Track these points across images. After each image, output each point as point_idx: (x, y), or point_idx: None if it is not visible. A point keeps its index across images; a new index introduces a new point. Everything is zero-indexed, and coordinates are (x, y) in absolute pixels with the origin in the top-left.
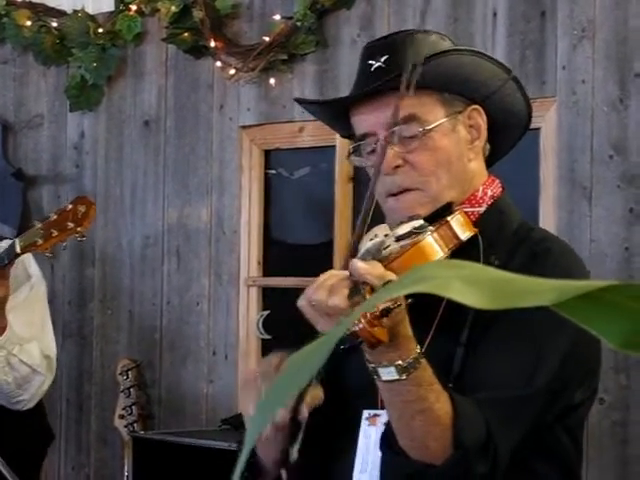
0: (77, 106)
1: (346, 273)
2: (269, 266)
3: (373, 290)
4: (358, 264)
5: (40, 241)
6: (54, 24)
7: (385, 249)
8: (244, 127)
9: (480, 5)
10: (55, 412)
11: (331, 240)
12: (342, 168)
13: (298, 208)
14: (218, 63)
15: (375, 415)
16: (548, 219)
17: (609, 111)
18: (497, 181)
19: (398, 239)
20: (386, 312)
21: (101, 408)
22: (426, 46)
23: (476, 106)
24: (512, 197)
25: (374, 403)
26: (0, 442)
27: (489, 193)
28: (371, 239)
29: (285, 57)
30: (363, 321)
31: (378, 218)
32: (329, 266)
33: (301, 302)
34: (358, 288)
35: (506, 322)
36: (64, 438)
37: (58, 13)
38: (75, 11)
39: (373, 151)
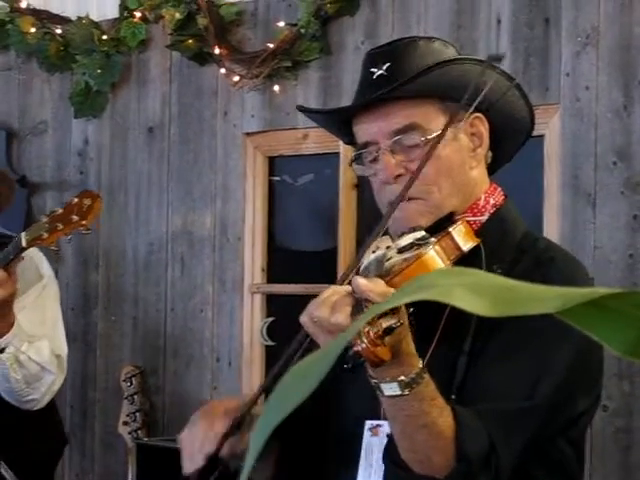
0: (81, 113)
1: (348, 289)
2: (273, 273)
3: None
4: (360, 281)
5: (45, 235)
6: (58, 31)
7: (387, 262)
8: (248, 134)
9: (484, 12)
10: (60, 417)
11: (335, 247)
12: (346, 175)
13: (302, 215)
14: (222, 70)
15: (377, 426)
16: (552, 226)
17: (613, 118)
18: (499, 189)
19: (400, 251)
20: (388, 331)
21: (105, 414)
22: (429, 54)
23: (478, 114)
24: (516, 204)
25: (376, 414)
26: (14, 446)
27: (491, 202)
28: (373, 252)
29: (289, 64)
30: (365, 341)
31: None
32: (333, 273)
33: (303, 318)
34: (361, 305)
35: (509, 331)
36: (68, 444)
37: (62, 20)
38: (79, 18)
39: (375, 159)
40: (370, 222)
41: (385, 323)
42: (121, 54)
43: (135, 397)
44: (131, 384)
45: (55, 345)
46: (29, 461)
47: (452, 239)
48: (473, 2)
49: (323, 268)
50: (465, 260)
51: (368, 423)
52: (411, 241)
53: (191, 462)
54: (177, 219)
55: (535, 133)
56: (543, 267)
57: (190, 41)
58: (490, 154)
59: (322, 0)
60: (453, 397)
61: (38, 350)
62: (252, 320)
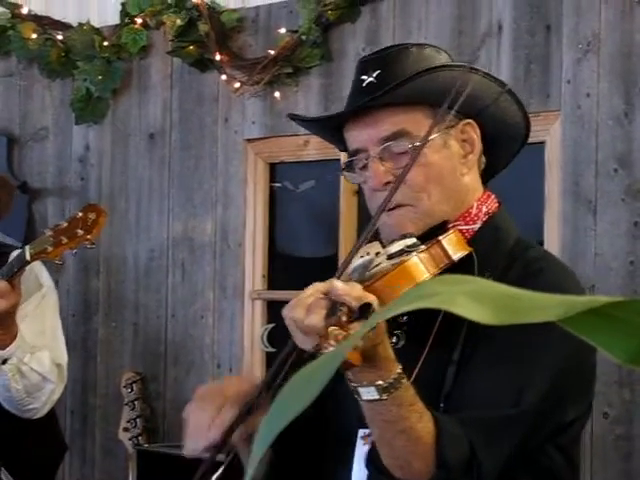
0: (82, 119)
1: (327, 291)
2: (274, 279)
3: (351, 311)
4: (337, 285)
5: (50, 248)
6: (59, 37)
7: (375, 267)
8: (249, 140)
9: (485, 18)
10: (59, 424)
11: (336, 253)
12: (347, 181)
13: (303, 221)
14: (223, 76)
15: (370, 434)
16: (552, 233)
17: (614, 125)
18: (492, 197)
19: (390, 257)
20: None
21: (105, 421)
22: (421, 60)
23: (469, 120)
24: (517, 211)
25: None
26: (14, 453)
27: (484, 209)
28: (362, 256)
29: (290, 70)
30: (334, 344)
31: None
32: None
33: (283, 313)
34: (335, 308)
35: (496, 340)
36: (68, 451)
37: (63, 26)
38: (80, 24)
39: (365, 167)
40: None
41: (356, 328)
42: (122, 60)
43: (136, 403)
44: (132, 390)
45: (55, 355)
46: (29, 468)
47: (442, 247)
48: (474, 9)
49: (324, 274)
50: (457, 268)
51: (361, 432)
52: (401, 248)
53: (192, 445)
54: (178, 225)
55: (536, 140)
56: (532, 278)
57: (191, 47)
58: (484, 160)
59: (323, 7)
60: (442, 405)
61: (39, 360)
62: (253, 326)
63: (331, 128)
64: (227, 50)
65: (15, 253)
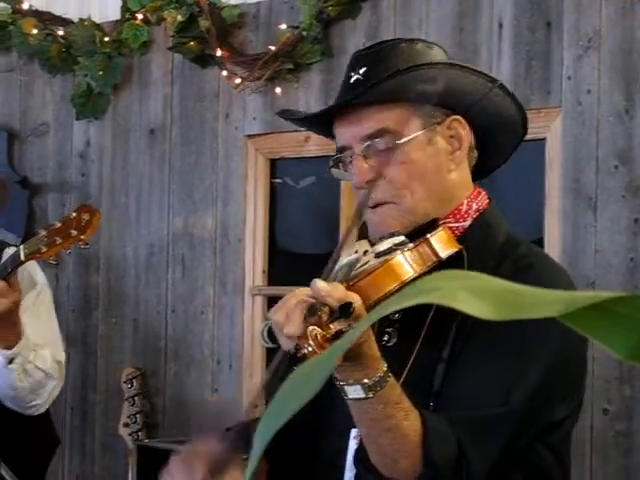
0: (83, 114)
1: (309, 292)
2: (274, 275)
3: (332, 310)
4: (319, 285)
5: (44, 249)
6: (60, 32)
7: (361, 266)
8: (250, 136)
9: (486, 16)
10: (59, 420)
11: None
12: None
13: (303, 217)
14: (224, 72)
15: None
16: (553, 229)
17: (614, 121)
18: (483, 193)
19: (377, 255)
20: (338, 335)
21: (105, 416)
22: (410, 57)
23: (456, 116)
24: (517, 207)
25: None
26: (5, 448)
27: (474, 206)
28: (349, 255)
29: (291, 66)
30: (313, 344)
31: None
32: None
33: (268, 316)
34: (316, 308)
35: (485, 338)
36: (68, 446)
37: (64, 21)
38: (81, 20)
39: (350, 164)
40: None
41: (335, 327)
42: (123, 56)
43: (136, 399)
44: (132, 386)
45: (55, 352)
46: (21, 462)
47: (430, 246)
48: (475, 6)
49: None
50: (447, 266)
51: (354, 431)
52: (389, 246)
53: None
54: (178, 221)
55: (536, 137)
56: (521, 274)
57: (192, 43)
58: (475, 155)
59: (324, 3)
60: (432, 404)
61: (43, 358)
62: (253, 322)
63: (324, 125)
64: (228, 46)
65: (8, 250)
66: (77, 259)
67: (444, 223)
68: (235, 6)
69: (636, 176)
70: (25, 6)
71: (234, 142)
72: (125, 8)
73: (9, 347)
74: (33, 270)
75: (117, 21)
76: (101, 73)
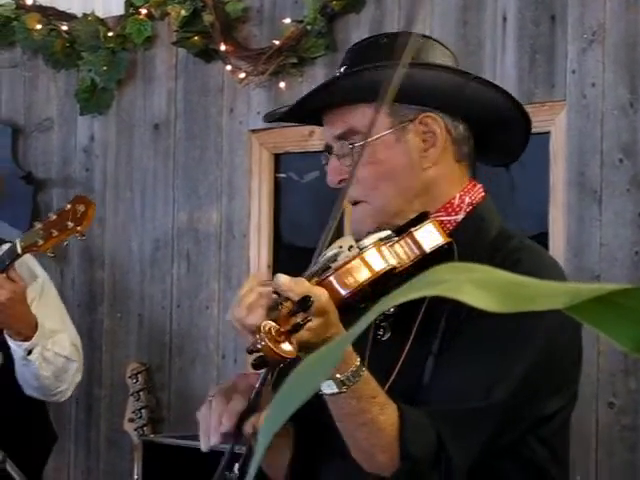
0: (87, 110)
1: (270, 286)
2: (279, 270)
3: (295, 305)
4: (281, 280)
5: (41, 241)
6: (64, 28)
7: (341, 260)
8: (254, 131)
9: (490, 9)
10: (64, 415)
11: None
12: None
13: (308, 212)
14: (228, 67)
15: None
16: (558, 223)
17: (619, 115)
18: (478, 187)
19: (362, 250)
20: (295, 328)
21: (110, 412)
22: (391, 52)
23: (429, 113)
24: (522, 201)
25: None
26: (3, 444)
27: (467, 200)
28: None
29: (295, 61)
30: (266, 339)
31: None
32: None
33: (228, 318)
34: (277, 303)
35: (471, 332)
36: (73, 442)
37: (68, 17)
38: (85, 15)
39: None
40: None
41: (293, 320)
42: (127, 51)
43: (141, 394)
44: (137, 381)
45: (72, 337)
46: (18, 458)
47: (413, 239)
48: None
49: None
50: (436, 259)
51: None
52: (374, 240)
53: (207, 439)
54: (183, 216)
55: (541, 130)
56: (510, 269)
57: (196, 38)
58: (466, 150)
59: None
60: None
61: (61, 344)
62: None
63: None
64: (232, 40)
65: (4, 247)
66: (82, 254)
67: (435, 217)
68: (239, 0)
69: None
70: (29, 1)
71: (238, 137)
72: (129, 3)
73: (27, 339)
74: (32, 264)
75: (121, 16)
76: (105, 68)
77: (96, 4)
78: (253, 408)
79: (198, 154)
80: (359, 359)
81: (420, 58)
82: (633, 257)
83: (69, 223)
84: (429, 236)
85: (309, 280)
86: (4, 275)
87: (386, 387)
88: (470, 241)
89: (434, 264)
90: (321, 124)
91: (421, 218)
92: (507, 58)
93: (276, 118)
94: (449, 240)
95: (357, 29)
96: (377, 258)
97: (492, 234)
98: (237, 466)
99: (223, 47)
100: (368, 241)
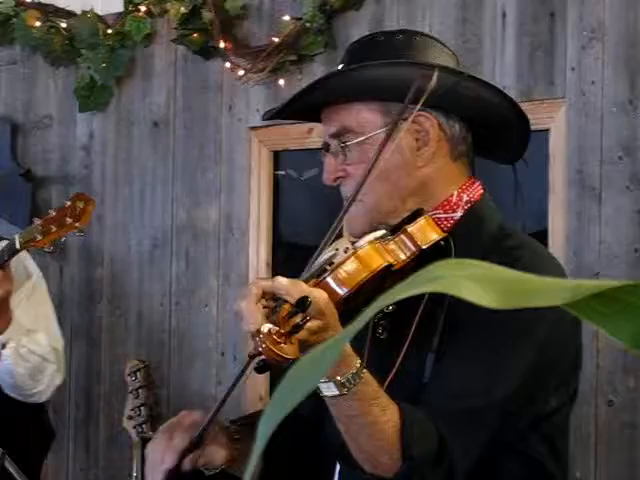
0: (86, 107)
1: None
2: (278, 267)
3: (293, 307)
4: (279, 282)
5: (39, 237)
6: (63, 25)
7: (336, 262)
8: (253, 128)
9: (489, 6)
10: (63, 413)
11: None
12: None
13: (307, 209)
14: (227, 64)
15: None
16: (557, 220)
17: (618, 112)
18: (477, 184)
19: (357, 249)
20: (295, 329)
21: (109, 409)
22: (386, 51)
23: (422, 112)
24: (521, 198)
25: None
26: (1, 441)
27: (465, 198)
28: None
29: (294, 58)
30: (266, 341)
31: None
32: None
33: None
34: (276, 306)
35: (471, 329)
36: (72, 439)
37: (67, 14)
38: (84, 12)
39: None
40: None
41: (292, 321)
42: (126, 48)
43: (140, 391)
44: (136, 378)
45: (52, 339)
46: (16, 456)
47: (408, 236)
48: None
49: None
50: (433, 256)
51: None
52: (370, 240)
53: (152, 476)
54: (182, 213)
55: (540, 127)
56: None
57: (195, 35)
58: (463, 148)
59: None
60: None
61: (37, 342)
62: None
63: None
64: (231, 38)
65: (1, 243)
66: (81, 252)
67: (432, 214)
68: None
69: None
70: None
71: (237, 134)
72: (128, 0)
73: (1, 332)
74: (27, 262)
75: (120, 13)
76: (104, 65)
77: (95, 1)
78: (196, 445)
79: (197, 151)
80: (359, 361)
81: (416, 57)
82: (633, 255)
83: (68, 219)
84: (424, 232)
85: (307, 282)
86: (1, 271)
87: (385, 385)
88: (468, 238)
89: (431, 261)
90: (321, 121)
91: (415, 215)
92: (506, 55)
93: (273, 115)
94: (444, 235)
95: (356, 26)
96: (372, 256)
97: (491, 231)
98: None
99: (222, 44)
100: (363, 241)
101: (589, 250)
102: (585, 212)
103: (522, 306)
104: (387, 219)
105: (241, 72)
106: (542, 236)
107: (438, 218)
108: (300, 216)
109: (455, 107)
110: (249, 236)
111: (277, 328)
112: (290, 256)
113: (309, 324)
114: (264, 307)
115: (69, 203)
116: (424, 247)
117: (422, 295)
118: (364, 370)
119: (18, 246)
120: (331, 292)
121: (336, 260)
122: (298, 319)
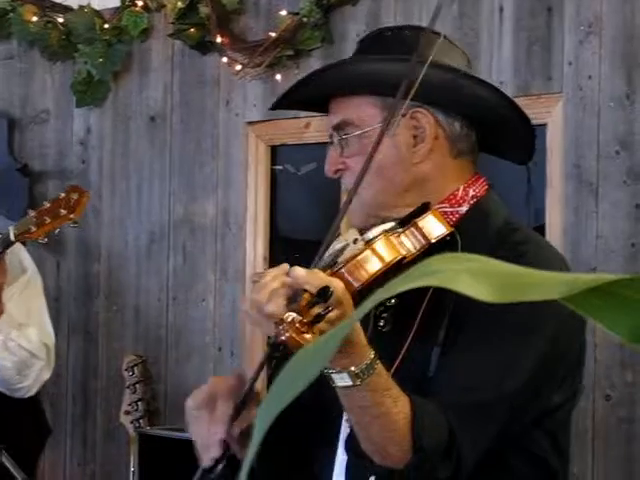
0: (83, 102)
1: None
2: (275, 262)
3: (311, 296)
4: (298, 272)
5: (34, 228)
6: (60, 20)
7: (348, 253)
8: (250, 123)
9: (487, 1)
10: (60, 408)
11: (337, 236)
12: None
13: (304, 204)
14: (224, 59)
15: None
16: (554, 215)
17: (616, 107)
18: (482, 180)
19: (367, 242)
20: (317, 319)
21: (107, 404)
22: (391, 46)
23: (419, 108)
24: (518, 193)
25: None
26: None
27: (470, 193)
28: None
29: (291, 53)
30: (290, 330)
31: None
32: None
33: (244, 307)
34: (296, 295)
35: (479, 323)
36: (69, 434)
37: (64, 9)
38: (81, 7)
39: None
40: None
41: (315, 312)
42: (123, 43)
43: (137, 386)
44: (133, 373)
45: (43, 334)
46: (12, 452)
47: (418, 229)
48: None
49: None
50: (440, 250)
51: (346, 414)
52: (379, 232)
53: (208, 453)
54: (179, 208)
55: (537, 122)
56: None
57: (192, 30)
58: (463, 146)
59: None
60: (426, 390)
61: (27, 337)
62: None
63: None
64: (228, 32)
65: None
66: (78, 247)
67: (438, 208)
68: None
69: (638, 161)
70: None
71: (234, 129)
72: None
73: None
74: (22, 256)
75: (117, 8)
76: (101, 60)
77: None
78: (239, 410)
79: (194, 146)
80: (373, 352)
81: (422, 53)
82: (630, 249)
83: (62, 211)
84: (433, 226)
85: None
86: None
87: None
88: (474, 233)
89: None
90: (324, 112)
91: (422, 209)
92: (504, 50)
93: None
94: (452, 230)
95: (353, 21)
96: (387, 249)
97: (497, 226)
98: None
99: (219, 39)
100: (373, 233)
101: (586, 244)
102: (582, 206)
103: (519, 300)
104: (382, 213)
105: (238, 67)
106: (539, 230)
107: (444, 212)
108: (297, 211)
109: (453, 105)
110: (246, 231)
111: (300, 317)
112: (287, 250)
113: (330, 314)
114: (286, 293)
115: (63, 195)
116: (433, 240)
117: (427, 288)
118: (377, 361)
119: (12, 238)
120: (347, 283)
121: (346, 252)
122: (319, 309)
